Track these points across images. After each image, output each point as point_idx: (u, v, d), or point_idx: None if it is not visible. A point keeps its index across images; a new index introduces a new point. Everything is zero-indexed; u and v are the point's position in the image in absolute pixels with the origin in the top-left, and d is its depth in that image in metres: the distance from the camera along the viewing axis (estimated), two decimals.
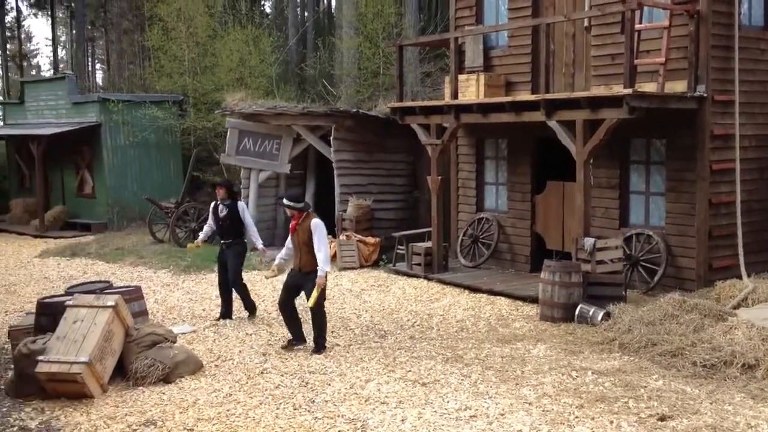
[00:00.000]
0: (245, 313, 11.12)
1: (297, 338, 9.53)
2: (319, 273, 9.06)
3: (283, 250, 9.76)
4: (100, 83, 46.61)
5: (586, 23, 12.78)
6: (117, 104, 21.70)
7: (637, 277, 11.95)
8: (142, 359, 8.30)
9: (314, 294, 9.06)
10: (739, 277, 11.03)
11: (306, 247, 9.20)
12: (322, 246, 9.09)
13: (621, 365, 8.45)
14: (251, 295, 11.15)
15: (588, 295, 10.63)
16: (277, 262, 9.83)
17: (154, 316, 10.97)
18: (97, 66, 53.50)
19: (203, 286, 13.58)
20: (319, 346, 9.30)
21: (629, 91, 10.56)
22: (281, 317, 9.71)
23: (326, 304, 11.80)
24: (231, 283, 10.90)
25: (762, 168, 11.99)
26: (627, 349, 8.91)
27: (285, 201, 9.48)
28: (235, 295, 11.00)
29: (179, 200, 18.55)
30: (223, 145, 18.43)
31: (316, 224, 9.21)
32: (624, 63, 10.79)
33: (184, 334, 10.13)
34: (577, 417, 6.94)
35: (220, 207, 11.00)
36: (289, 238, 9.58)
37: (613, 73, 12.04)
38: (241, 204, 11.21)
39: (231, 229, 10.98)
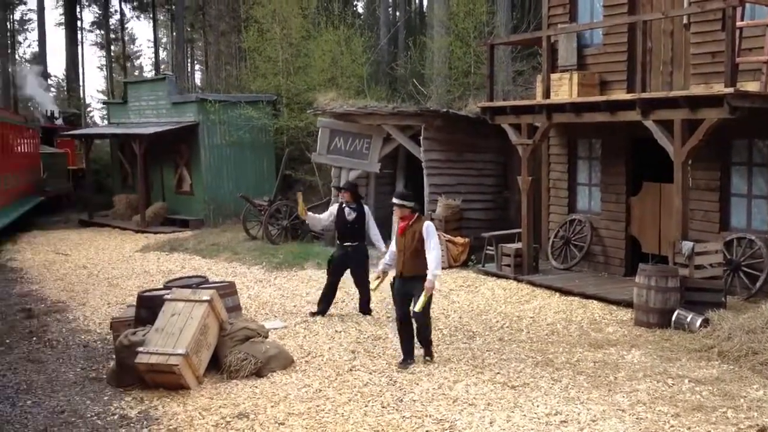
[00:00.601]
0: (334, 312, 11.27)
1: (410, 354, 8.83)
2: (429, 276, 8.40)
3: (387, 256, 9.20)
4: (199, 84, 48.10)
5: (685, 20, 12.38)
6: (214, 104, 22.33)
7: (737, 283, 11.50)
8: (235, 353, 8.51)
9: (422, 299, 8.46)
10: None
11: (413, 251, 8.54)
12: (435, 248, 8.44)
13: (720, 374, 8.15)
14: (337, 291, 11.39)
15: (685, 301, 10.30)
16: (381, 267, 9.32)
17: (247, 311, 11.24)
18: (196, 67, 55.23)
19: (294, 282, 13.83)
20: (430, 353, 8.89)
21: (731, 90, 10.17)
22: (394, 328, 9.11)
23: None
24: (357, 284, 11.08)
25: None
26: (726, 358, 8.59)
27: (396, 200, 8.78)
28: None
29: (272, 198, 18.94)
30: (314, 144, 18.72)
31: (429, 227, 8.55)
32: (725, 61, 10.41)
33: (276, 329, 10.34)
34: (672, 426, 6.73)
35: (347, 210, 10.98)
36: (394, 240, 8.98)
37: (713, 71, 11.62)
38: (366, 207, 11.26)
39: (357, 231, 11.04)
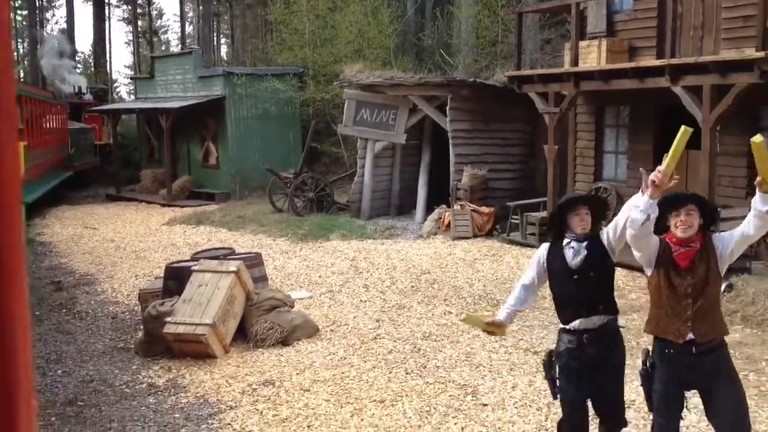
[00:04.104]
0: (359, 282, 11.35)
1: None
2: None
3: (517, 291, 5.11)
4: (225, 57, 48.21)
5: None
6: (240, 77, 22.39)
7: (763, 249, 11.36)
8: (261, 322, 8.63)
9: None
10: None
11: (711, 295, 4.46)
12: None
13: (743, 338, 8.13)
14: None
15: None
16: (505, 315, 5.09)
17: (273, 282, 11.34)
18: (222, 40, 55.33)
19: (319, 254, 13.93)
20: None
21: (762, 54, 9.98)
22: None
23: (438, 272, 11.89)
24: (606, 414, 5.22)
25: None
26: (750, 322, 8.56)
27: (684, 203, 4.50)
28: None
29: (298, 170, 19.01)
30: (340, 117, 18.72)
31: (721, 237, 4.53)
32: (756, 25, 10.19)
33: (301, 299, 10.45)
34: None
35: (569, 249, 4.98)
36: (533, 273, 5.05)
37: (744, 36, 11.40)
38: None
39: (600, 291, 5.21)
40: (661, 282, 4.46)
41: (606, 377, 4.86)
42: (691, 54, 12.33)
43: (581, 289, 4.84)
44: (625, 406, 5.14)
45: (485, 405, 6.60)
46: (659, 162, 13.04)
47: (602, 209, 5.28)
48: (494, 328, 5.11)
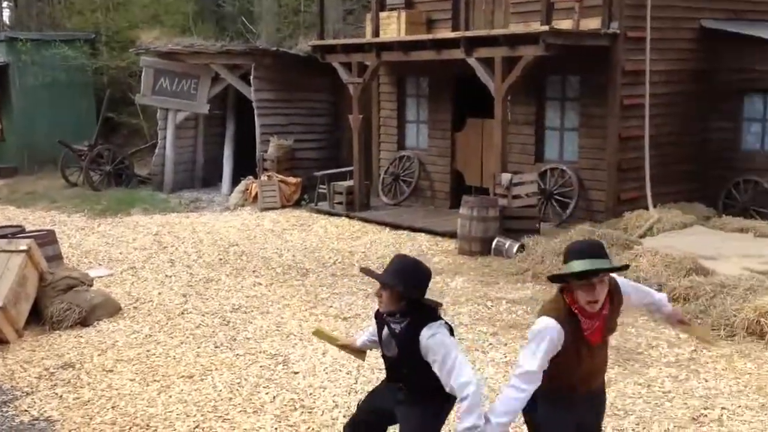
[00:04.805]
0: (164, 257, 11.02)
1: None
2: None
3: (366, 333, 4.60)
4: (8, 22, 44.37)
5: None
6: (25, 43, 20.74)
7: (551, 211, 12.31)
8: (57, 303, 8.16)
9: None
10: (646, 208, 11.51)
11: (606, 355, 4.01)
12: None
13: (533, 294, 8.78)
14: None
15: (504, 229, 10.91)
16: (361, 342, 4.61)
17: (70, 261, 10.76)
18: (4, 4, 50.82)
19: (120, 229, 13.33)
20: None
21: (546, 28, 10.70)
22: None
23: (247, 243, 11.83)
24: None
25: (670, 103, 12.36)
26: (539, 279, 9.24)
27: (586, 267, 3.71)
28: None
29: (93, 143, 18.03)
30: (138, 85, 17.92)
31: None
32: (541, 0, 10.88)
33: (101, 277, 9.98)
34: (491, 344, 7.21)
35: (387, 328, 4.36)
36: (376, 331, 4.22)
37: (531, 10, 12.13)
38: (435, 330, 4.27)
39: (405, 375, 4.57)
40: (570, 360, 3.68)
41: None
42: (484, 27, 12.99)
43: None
44: None
45: (296, 373, 6.67)
46: (457, 130, 13.53)
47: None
48: (350, 352, 4.72)
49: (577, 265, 3.54)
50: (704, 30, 12.39)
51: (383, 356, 4.17)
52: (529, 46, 10.95)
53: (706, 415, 5.65)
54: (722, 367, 6.58)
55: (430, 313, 3.97)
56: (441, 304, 4.23)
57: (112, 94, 19.79)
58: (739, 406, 5.79)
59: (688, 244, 9.83)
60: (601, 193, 11.93)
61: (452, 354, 3.80)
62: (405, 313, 3.92)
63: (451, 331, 3.99)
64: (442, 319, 4.01)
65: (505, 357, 6.89)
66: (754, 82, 12.08)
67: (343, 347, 4.76)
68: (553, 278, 3.75)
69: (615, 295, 3.76)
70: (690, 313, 7.57)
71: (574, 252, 3.61)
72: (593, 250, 3.61)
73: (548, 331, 3.61)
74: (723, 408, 5.76)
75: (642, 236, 10.51)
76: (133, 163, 18.25)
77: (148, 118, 19.69)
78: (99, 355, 7.26)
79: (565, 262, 3.62)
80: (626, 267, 4.06)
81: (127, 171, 17.77)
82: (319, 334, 4.85)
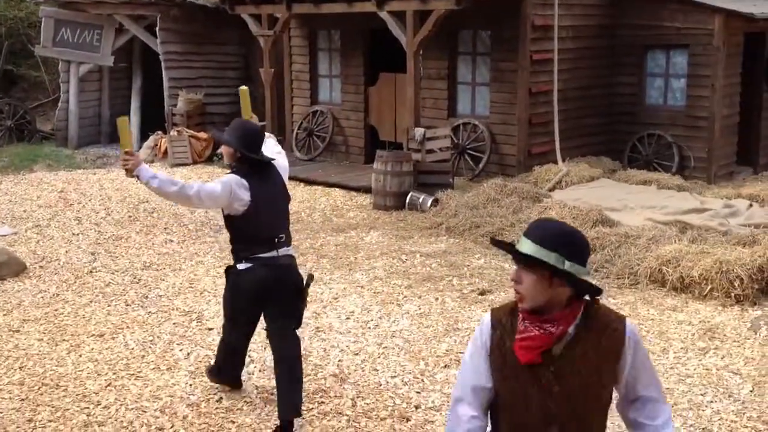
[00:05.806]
0: (70, 215, 10.67)
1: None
2: None
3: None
4: None
5: None
6: None
7: (463, 165, 12.48)
8: None
9: None
10: (555, 162, 11.81)
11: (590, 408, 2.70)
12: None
13: (447, 247, 8.92)
14: None
15: (418, 183, 11.01)
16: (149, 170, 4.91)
17: None
18: None
19: (22, 187, 12.81)
20: None
21: None
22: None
23: (157, 200, 11.56)
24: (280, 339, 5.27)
25: (578, 58, 12.63)
26: (453, 232, 9.40)
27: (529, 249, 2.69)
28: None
29: None
30: (38, 36, 17.09)
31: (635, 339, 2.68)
32: None
33: (4, 236, 9.61)
34: (405, 296, 7.32)
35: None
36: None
37: None
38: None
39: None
40: (501, 385, 2.78)
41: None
42: None
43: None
44: None
45: (210, 329, 6.62)
46: (371, 85, 13.45)
47: None
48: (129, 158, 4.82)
49: (521, 243, 2.59)
50: None
51: None
52: (441, 0, 10.95)
53: None
54: (626, 314, 6.87)
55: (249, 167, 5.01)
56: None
57: (11, 45, 18.84)
58: None
59: (594, 196, 10.16)
60: (513, 147, 12.15)
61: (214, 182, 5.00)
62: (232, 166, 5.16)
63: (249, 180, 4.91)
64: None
65: (419, 309, 7.01)
66: (658, 37, 12.46)
67: (128, 153, 4.90)
68: (493, 241, 2.85)
69: (607, 330, 2.60)
70: (596, 263, 7.87)
71: (529, 228, 2.63)
72: (546, 238, 2.53)
73: (477, 328, 2.74)
74: None
75: (551, 189, 10.81)
76: (36, 118, 17.50)
77: (51, 70, 18.86)
78: (4, 315, 7.03)
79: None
80: (592, 286, 2.64)
81: (29, 126, 17.04)
82: (122, 123, 5.16)
